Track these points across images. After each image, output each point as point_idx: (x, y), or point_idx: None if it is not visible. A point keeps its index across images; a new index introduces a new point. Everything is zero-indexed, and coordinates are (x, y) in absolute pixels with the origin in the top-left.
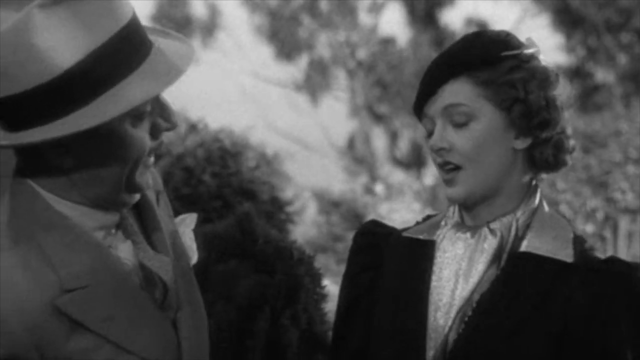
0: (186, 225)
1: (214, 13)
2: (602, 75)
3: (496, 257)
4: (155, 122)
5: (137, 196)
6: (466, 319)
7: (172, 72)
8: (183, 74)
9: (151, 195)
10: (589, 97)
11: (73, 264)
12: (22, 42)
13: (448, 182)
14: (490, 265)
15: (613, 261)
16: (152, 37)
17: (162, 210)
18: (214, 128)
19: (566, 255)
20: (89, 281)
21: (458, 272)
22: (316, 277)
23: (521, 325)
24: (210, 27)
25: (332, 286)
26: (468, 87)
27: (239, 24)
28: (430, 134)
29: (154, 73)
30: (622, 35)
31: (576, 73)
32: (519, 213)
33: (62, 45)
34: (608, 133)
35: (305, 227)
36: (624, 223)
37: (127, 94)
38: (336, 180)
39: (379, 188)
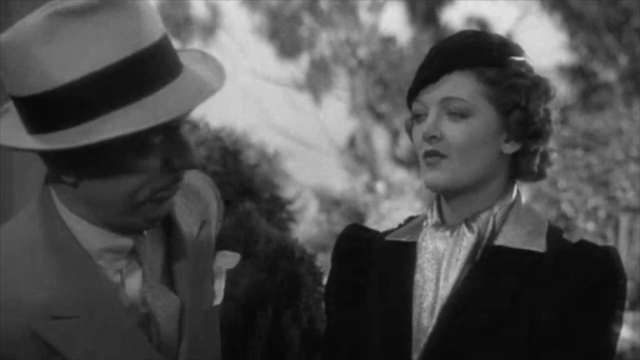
0: (225, 263)
1: (214, 13)
2: (603, 74)
3: (474, 253)
4: (168, 158)
5: (152, 224)
6: (445, 317)
7: (184, 101)
8: (198, 102)
9: (187, 222)
10: (590, 96)
11: (66, 290)
12: (27, 50)
13: (430, 165)
14: (468, 263)
15: (582, 244)
16: (184, 60)
17: (199, 241)
18: (215, 127)
19: (539, 245)
20: (79, 312)
21: (439, 272)
22: (317, 276)
23: (497, 319)
24: (210, 27)
25: None
26: (471, 82)
27: (240, 24)
28: (415, 116)
29: (172, 97)
30: (623, 34)
31: (579, 72)
32: (496, 208)
33: (65, 59)
34: (609, 132)
35: (306, 226)
36: (625, 221)
37: (133, 115)
38: (337, 178)
39: (379, 187)
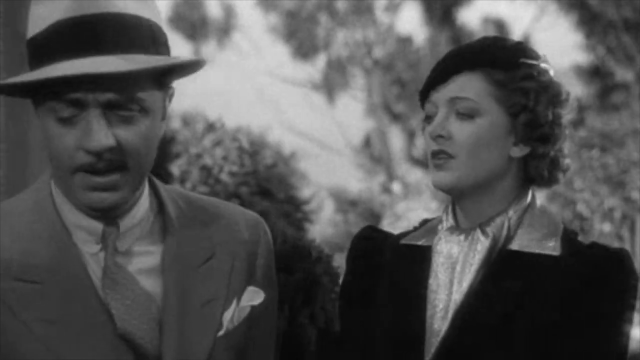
0: (250, 299)
1: (229, 14)
2: (621, 74)
3: (488, 258)
4: (76, 139)
5: (96, 212)
6: (458, 320)
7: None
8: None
9: (186, 247)
10: (607, 96)
11: (37, 257)
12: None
13: (437, 167)
14: (483, 267)
15: (594, 246)
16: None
17: (205, 268)
18: (232, 127)
19: (554, 249)
20: (43, 279)
21: (453, 276)
22: (334, 276)
23: (510, 322)
24: (226, 28)
25: None
26: (480, 83)
27: (255, 25)
28: (428, 117)
29: (94, 62)
30: None
31: (595, 72)
32: (510, 212)
33: (39, 14)
34: (626, 132)
35: (322, 226)
36: None
37: (53, 69)
38: (353, 179)
39: (396, 187)
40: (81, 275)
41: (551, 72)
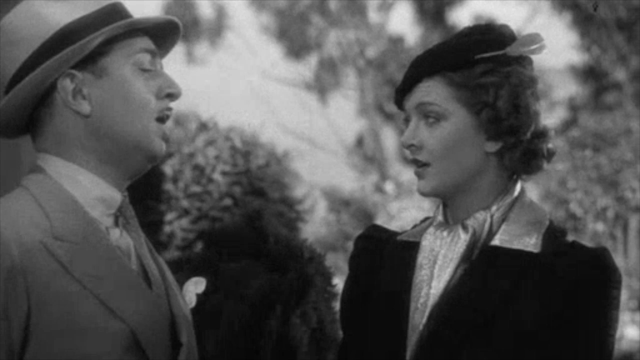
0: (195, 288)
1: (221, 14)
2: (614, 74)
3: (468, 253)
4: (160, 85)
5: (150, 162)
6: (435, 314)
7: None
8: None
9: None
10: (600, 96)
11: (66, 221)
12: (29, 9)
13: (418, 175)
14: (462, 262)
15: (575, 245)
16: None
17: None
18: (224, 127)
19: (534, 246)
20: (80, 240)
21: (433, 271)
22: (327, 276)
23: (487, 318)
24: (217, 28)
25: (342, 285)
26: (441, 87)
27: (247, 24)
28: (407, 121)
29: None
30: (634, 34)
31: (589, 72)
32: (493, 208)
33: (58, 10)
34: (619, 132)
35: (315, 226)
36: (634, 222)
37: (117, 26)
38: (346, 178)
39: (389, 186)
40: (108, 242)
41: (533, 54)
